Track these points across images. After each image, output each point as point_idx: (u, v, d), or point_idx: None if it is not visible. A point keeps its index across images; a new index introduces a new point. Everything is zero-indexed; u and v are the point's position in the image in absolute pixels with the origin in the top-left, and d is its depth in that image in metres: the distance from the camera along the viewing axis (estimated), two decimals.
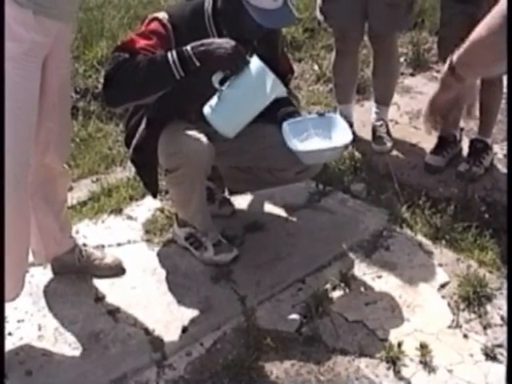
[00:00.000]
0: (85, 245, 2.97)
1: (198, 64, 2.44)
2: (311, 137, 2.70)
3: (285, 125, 2.71)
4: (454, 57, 1.76)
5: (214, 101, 2.50)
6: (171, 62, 2.43)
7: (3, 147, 2.25)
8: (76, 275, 2.88)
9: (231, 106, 2.49)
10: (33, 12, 2.20)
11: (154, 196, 3.03)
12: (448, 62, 1.78)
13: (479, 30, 1.66)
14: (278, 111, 2.78)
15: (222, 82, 2.48)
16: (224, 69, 2.47)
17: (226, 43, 2.47)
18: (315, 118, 2.81)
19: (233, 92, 2.48)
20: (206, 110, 2.51)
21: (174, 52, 2.45)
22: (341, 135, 2.71)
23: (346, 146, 3.07)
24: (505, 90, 3.50)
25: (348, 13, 3.56)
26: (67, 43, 2.55)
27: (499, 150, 3.80)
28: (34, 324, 2.65)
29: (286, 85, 2.97)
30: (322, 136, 2.72)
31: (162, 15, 2.65)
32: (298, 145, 2.66)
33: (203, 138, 2.68)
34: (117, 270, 2.92)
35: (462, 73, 1.75)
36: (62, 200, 2.83)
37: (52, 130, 2.54)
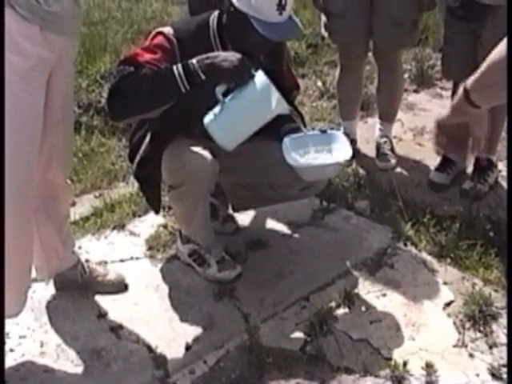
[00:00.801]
0: (87, 261, 2.95)
1: (203, 77, 2.43)
2: (311, 153, 2.69)
3: (285, 140, 2.69)
4: (469, 81, 1.73)
5: (215, 111, 2.49)
6: (177, 74, 2.43)
7: (3, 152, 2.23)
8: (78, 291, 2.86)
9: (232, 118, 2.48)
10: (40, 28, 2.20)
11: (157, 212, 3.01)
12: (462, 87, 1.75)
13: (499, 50, 1.63)
14: (281, 127, 2.77)
15: (225, 94, 2.48)
16: (229, 81, 2.47)
17: (231, 56, 2.46)
18: (316, 134, 2.79)
19: (235, 104, 2.47)
20: (207, 120, 2.50)
21: (180, 65, 2.45)
22: (341, 152, 2.68)
23: (347, 163, 3.06)
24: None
25: (353, 30, 3.57)
26: (71, 58, 2.55)
27: (504, 168, 3.79)
28: (35, 340, 2.64)
29: (292, 101, 2.97)
30: (322, 152, 2.70)
31: (167, 30, 2.65)
32: (297, 160, 2.64)
33: (207, 155, 2.67)
34: (119, 287, 2.90)
35: (477, 98, 1.72)
36: (65, 215, 2.82)
37: (55, 145, 2.54)
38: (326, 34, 3.76)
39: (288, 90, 2.89)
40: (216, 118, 2.49)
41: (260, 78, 2.46)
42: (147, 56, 2.55)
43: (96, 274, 2.90)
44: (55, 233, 2.73)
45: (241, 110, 2.48)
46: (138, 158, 2.83)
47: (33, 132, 2.34)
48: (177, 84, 2.43)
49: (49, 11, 2.22)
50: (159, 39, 2.63)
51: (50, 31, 2.25)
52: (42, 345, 2.62)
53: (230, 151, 2.55)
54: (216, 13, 2.71)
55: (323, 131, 2.80)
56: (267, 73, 2.47)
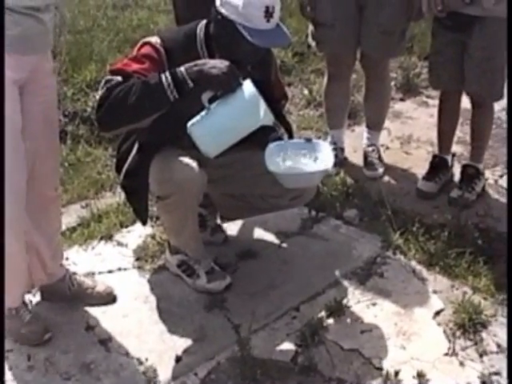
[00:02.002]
0: (74, 273, 2.93)
1: (191, 85, 2.41)
2: (293, 160, 2.67)
3: (269, 147, 2.67)
4: None
5: (200, 117, 2.48)
6: (165, 83, 2.41)
7: (3, 148, 2.25)
8: (67, 303, 2.84)
9: (216, 125, 2.46)
10: (6, 52, 2.22)
11: (144, 223, 2.97)
12: None
13: None
14: (268, 137, 2.76)
15: (211, 101, 2.47)
16: (217, 88, 2.46)
17: (220, 63, 2.45)
18: (300, 142, 2.77)
19: (220, 111, 2.46)
20: (190, 124, 2.48)
21: (168, 73, 2.43)
22: (323, 161, 2.67)
23: (332, 172, 3.03)
24: (498, 114, 3.52)
25: (342, 39, 3.56)
26: (47, 71, 2.54)
27: (490, 176, 3.81)
28: (23, 354, 2.60)
29: (280, 110, 2.97)
30: (304, 160, 2.68)
31: (155, 39, 2.63)
32: (278, 167, 2.63)
33: (195, 166, 2.65)
34: (108, 299, 2.88)
35: None
36: (55, 228, 2.81)
37: (37, 155, 2.54)
38: (313, 44, 3.75)
39: (276, 100, 2.89)
40: (200, 124, 2.47)
41: (248, 87, 2.45)
42: (135, 66, 2.54)
43: (85, 287, 2.88)
44: (44, 246, 2.72)
45: (225, 117, 2.46)
46: (125, 168, 2.81)
47: (15, 146, 2.37)
48: (165, 92, 2.41)
49: (10, 35, 2.23)
50: (146, 49, 2.61)
51: (17, 53, 2.27)
52: (29, 358, 2.58)
53: (211, 158, 2.53)
54: (203, 22, 2.70)
55: (308, 140, 2.79)
56: (255, 83, 2.47)
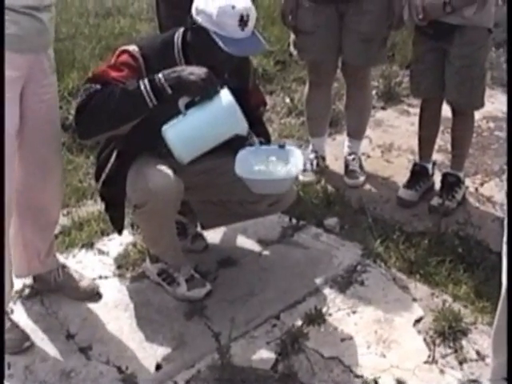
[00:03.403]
0: (64, 266, 2.97)
1: (170, 91, 2.43)
2: (264, 166, 2.66)
3: (240, 152, 2.67)
4: None
5: (175, 122, 2.49)
6: (143, 90, 2.42)
7: (3, 147, 2.28)
8: (46, 311, 2.84)
9: (191, 130, 2.48)
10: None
11: (119, 233, 2.98)
12: None
13: None
14: (245, 143, 2.74)
15: (188, 107, 2.49)
16: (195, 94, 2.47)
17: (198, 69, 2.48)
18: (272, 148, 2.77)
19: (196, 117, 2.48)
20: (165, 128, 2.48)
21: (146, 80, 2.45)
22: (292, 167, 2.66)
23: (296, 179, 3.03)
24: (478, 123, 3.53)
25: (322, 47, 3.57)
26: (45, 71, 2.56)
27: (471, 184, 3.84)
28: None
29: (260, 117, 2.98)
30: (274, 166, 2.67)
31: (132, 48, 2.64)
32: (246, 172, 2.61)
33: (171, 173, 2.65)
34: (90, 295, 2.92)
35: None
36: (53, 222, 2.86)
37: (38, 156, 2.59)
38: (294, 52, 3.77)
39: (254, 108, 2.89)
40: (174, 127, 2.48)
41: (225, 95, 2.47)
42: (113, 74, 2.55)
43: (70, 280, 2.92)
44: (40, 240, 2.79)
45: (200, 123, 2.48)
46: (103, 176, 2.81)
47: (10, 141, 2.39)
48: (144, 99, 2.43)
49: (6, 34, 2.26)
50: (124, 57, 2.62)
51: (12, 52, 2.29)
52: (9, 367, 2.57)
53: (184, 163, 2.54)
54: (181, 30, 2.71)
55: (281, 146, 2.78)
56: (232, 90, 2.49)
